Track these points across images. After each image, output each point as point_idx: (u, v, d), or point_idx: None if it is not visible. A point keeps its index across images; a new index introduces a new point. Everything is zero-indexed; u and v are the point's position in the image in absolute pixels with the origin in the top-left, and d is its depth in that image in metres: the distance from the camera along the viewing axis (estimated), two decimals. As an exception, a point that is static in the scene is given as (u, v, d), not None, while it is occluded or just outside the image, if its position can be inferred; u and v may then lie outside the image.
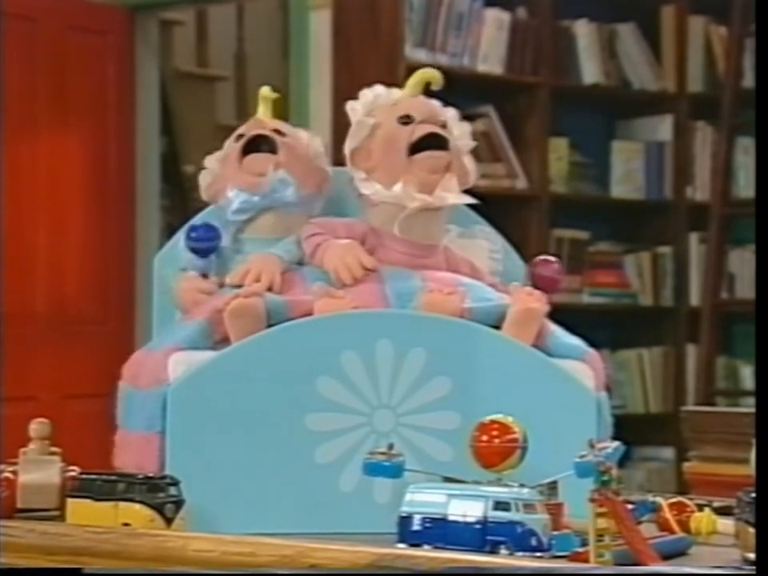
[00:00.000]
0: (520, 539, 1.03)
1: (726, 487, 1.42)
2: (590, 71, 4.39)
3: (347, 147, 1.40)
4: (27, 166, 4.24)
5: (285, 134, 1.43)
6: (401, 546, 1.07)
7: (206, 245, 1.39)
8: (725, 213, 4.19)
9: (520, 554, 1.03)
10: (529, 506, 1.05)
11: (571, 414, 1.30)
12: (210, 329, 1.34)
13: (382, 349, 1.30)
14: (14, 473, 1.27)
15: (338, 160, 1.45)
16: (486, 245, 1.49)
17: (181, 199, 4.94)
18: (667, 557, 1.08)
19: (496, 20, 4.18)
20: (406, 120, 1.38)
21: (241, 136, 1.43)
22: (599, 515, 1.02)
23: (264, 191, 1.39)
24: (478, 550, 1.04)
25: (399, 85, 1.43)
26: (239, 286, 1.35)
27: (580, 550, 1.05)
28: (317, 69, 4.09)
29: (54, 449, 1.29)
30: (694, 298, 4.47)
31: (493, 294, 1.38)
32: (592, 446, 1.05)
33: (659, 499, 1.23)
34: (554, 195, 4.30)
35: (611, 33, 4.47)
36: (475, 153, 1.45)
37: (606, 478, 1.03)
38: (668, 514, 1.20)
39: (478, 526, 1.04)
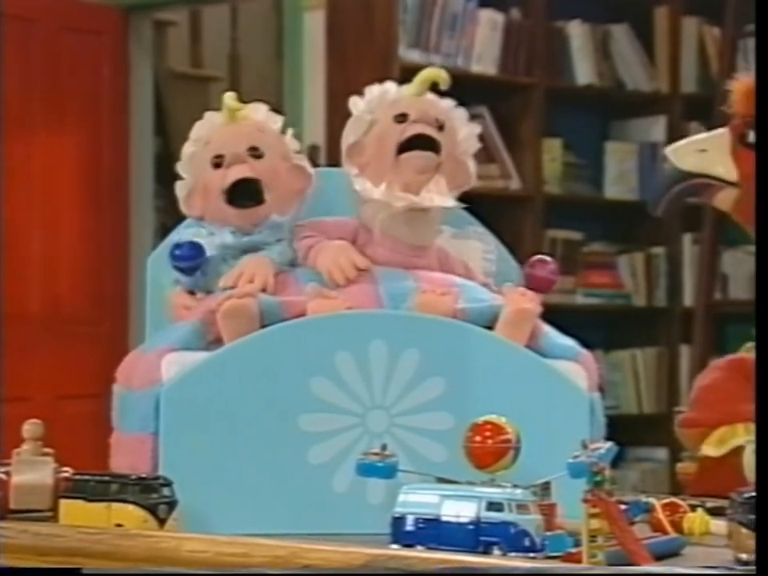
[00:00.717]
0: (513, 540, 1.03)
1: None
2: (584, 72, 4.40)
3: (344, 142, 1.39)
4: (22, 165, 4.24)
5: (261, 154, 1.39)
6: (394, 546, 1.07)
7: (189, 264, 1.38)
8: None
9: (513, 554, 1.03)
10: (522, 507, 1.05)
11: (564, 414, 1.30)
12: (203, 329, 1.33)
13: (376, 349, 1.30)
14: (7, 474, 1.26)
15: (332, 159, 1.45)
16: (479, 245, 1.49)
17: (174, 200, 4.92)
18: (660, 557, 1.08)
19: (490, 21, 4.18)
20: (401, 119, 1.38)
21: (218, 158, 1.38)
22: (592, 516, 1.02)
23: (254, 237, 1.39)
24: (471, 550, 1.03)
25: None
26: (233, 288, 1.35)
27: (573, 550, 1.05)
28: (311, 69, 4.09)
29: (47, 450, 1.29)
30: (688, 298, 4.47)
31: (486, 294, 1.38)
32: (585, 446, 1.05)
33: (652, 500, 1.23)
34: (547, 196, 4.31)
35: (605, 34, 4.47)
36: (470, 153, 1.45)
37: (599, 478, 1.03)
38: (661, 515, 1.20)
39: (471, 527, 1.04)
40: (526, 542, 1.04)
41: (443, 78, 1.40)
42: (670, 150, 1.61)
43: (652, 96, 4.48)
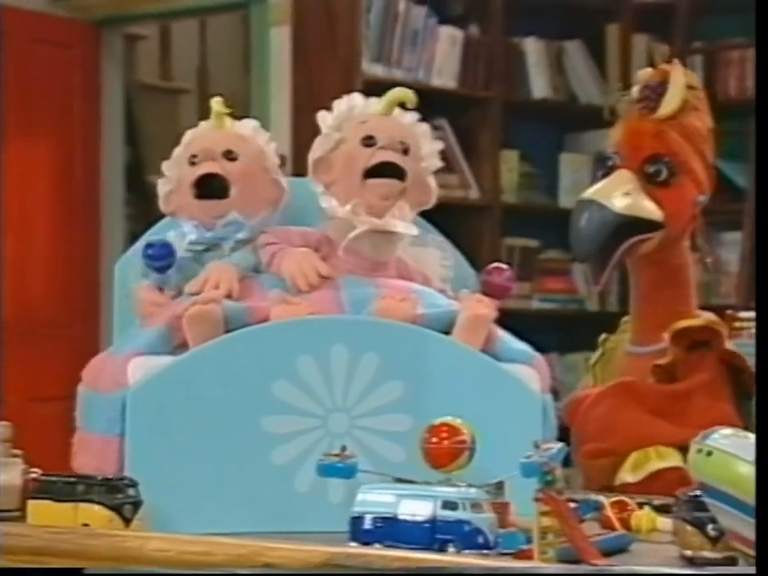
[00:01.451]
0: (467, 537, 1.03)
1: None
2: (540, 86, 4.42)
3: (311, 157, 1.39)
4: (-6, 175, 4.20)
5: (236, 157, 1.40)
6: (353, 544, 1.06)
7: (160, 263, 1.38)
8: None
9: (467, 551, 1.03)
10: (476, 506, 1.05)
11: (518, 416, 1.30)
12: (169, 334, 1.33)
13: (337, 353, 1.30)
14: (-23, 475, 1.25)
15: (298, 170, 1.44)
16: (437, 253, 1.49)
17: (144, 208, 4.90)
18: (609, 553, 1.08)
19: (449, 37, 4.20)
20: (368, 142, 1.37)
21: (194, 157, 1.39)
22: (543, 514, 1.02)
23: (217, 233, 1.39)
24: (427, 548, 1.03)
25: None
26: (199, 294, 1.35)
27: (525, 547, 1.05)
28: (277, 82, 4.08)
29: (16, 451, 1.28)
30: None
31: (443, 300, 1.38)
32: (537, 447, 1.05)
33: (602, 498, 1.24)
34: (505, 205, 4.32)
35: (559, 50, 4.50)
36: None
37: (550, 477, 1.03)
38: (610, 513, 1.21)
39: (427, 525, 1.04)
40: (480, 540, 1.04)
41: (411, 99, 1.40)
42: (596, 195, 1.55)
43: (604, 109, 4.49)
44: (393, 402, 1.30)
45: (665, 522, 1.19)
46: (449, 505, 1.05)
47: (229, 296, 1.34)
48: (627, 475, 1.49)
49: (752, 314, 2.09)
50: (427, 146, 1.41)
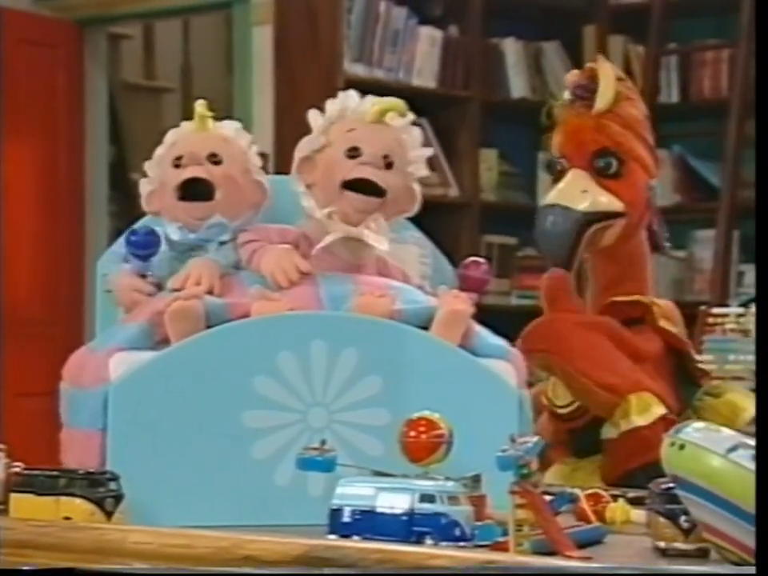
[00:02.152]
0: (444, 530, 1.04)
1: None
2: (518, 86, 4.43)
3: (297, 154, 1.37)
4: (-21, 173, 4.18)
5: (220, 160, 1.39)
6: (331, 537, 1.06)
7: (144, 251, 1.37)
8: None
9: (444, 543, 1.03)
10: (453, 499, 1.06)
11: (494, 410, 1.30)
12: (151, 330, 1.32)
13: (316, 349, 1.30)
14: (-40, 469, 1.24)
15: (279, 169, 1.44)
16: (415, 250, 1.49)
17: (128, 205, 4.89)
18: (583, 545, 1.08)
19: (429, 37, 4.20)
20: (352, 153, 1.35)
21: (178, 159, 1.38)
22: (519, 506, 1.02)
23: (200, 234, 1.38)
24: (405, 540, 1.03)
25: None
26: (180, 290, 1.34)
27: (501, 539, 1.05)
28: (259, 81, 4.08)
29: (-1, 445, 1.27)
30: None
31: (421, 296, 1.38)
32: (513, 440, 1.05)
33: (577, 491, 1.24)
34: (484, 203, 4.33)
35: (537, 50, 4.51)
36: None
37: (525, 471, 1.03)
38: (585, 505, 1.21)
39: (404, 518, 1.04)
40: (457, 532, 1.04)
41: (402, 110, 1.39)
42: (558, 198, 1.57)
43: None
44: (371, 397, 1.30)
45: (638, 514, 1.20)
46: (426, 498, 1.05)
47: (210, 292, 1.34)
48: (637, 419, 1.50)
49: (725, 310, 2.10)
50: (415, 152, 1.40)
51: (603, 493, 1.26)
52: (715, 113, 4.13)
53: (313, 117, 1.39)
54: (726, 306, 2.38)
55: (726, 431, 1.02)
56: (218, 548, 1.02)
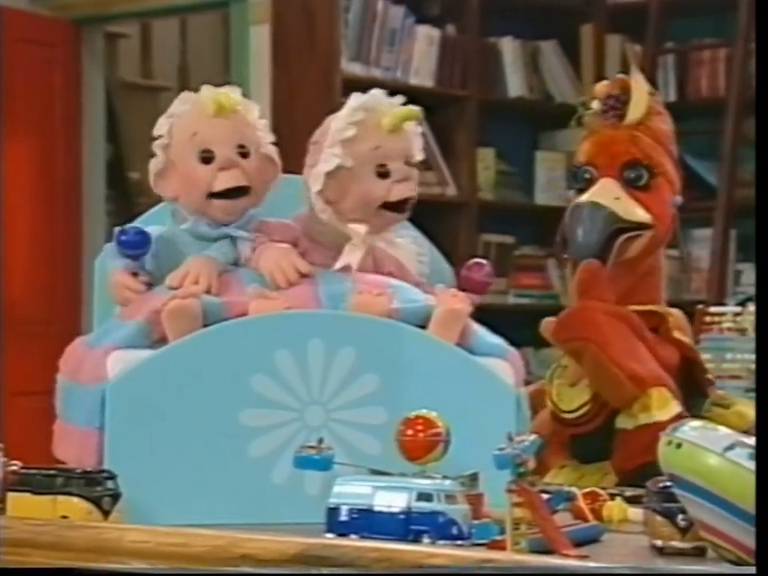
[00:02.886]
0: (442, 528, 1.04)
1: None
2: (515, 85, 4.43)
3: (321, 169, 1.34)
4: (-24, 171, 4.18)
5: (248, 151, 1.36)
6: (329, 536, 1.06)
7: (134, 251, 1.37)
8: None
9: (441, 542, 1.03)
10: (450, 497, 1.06)
11: (492, 409, 1.30)
12: (148, 329, 1.32)
13: (314, 348, 1.30)
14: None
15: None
16: (413, 248, 1.49)
17: (126, 204, 4.89)
18: (580, 544, 1.08)
19: (427, 36, 4.20)
20: (382, 170, 1.34)
21: (207, 152, 1.34)
22: (516, 505, 1.02)
23: (233, 227, 1.37)
24: (402, 539, 1.03)
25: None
26: (179, 287, 1.34)
27: (498, 538, 1.05)
28: (257, 81, 4.07)
29: (-5, 444, 1.27)
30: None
31: (419, 295, 1.38)
32: (510, 439, 1.05)
33: (574, 489, 1.24)
34: (481, 202, 4.33)
35: (534, 49, 4.51)
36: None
37: (522, 469, 1.03)
38: (582, 503, 1.21)
39: (402, 516, 1.04)
40: (454, 531, 1.04)
41: (418, 116, 1.38)
42: (593, 199, 1.57)
43: (578, 108, 4.50)
44: (369, 396, 1.30)
45: (635, 513, 1.20)
46: (423, 496, 1.05)
47: (207, 290, 1.34)
48: (658, 413, 1.50)
49: (722, 309, 2.10)
50: (419, 155, 1.41)
51: (600, 491, 1.26)
52: (712, 112, 4.13)
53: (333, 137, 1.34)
54: (723, 304, 2.38)
55: (723, 430, 1.02)
56: (214, 546, 1.02)
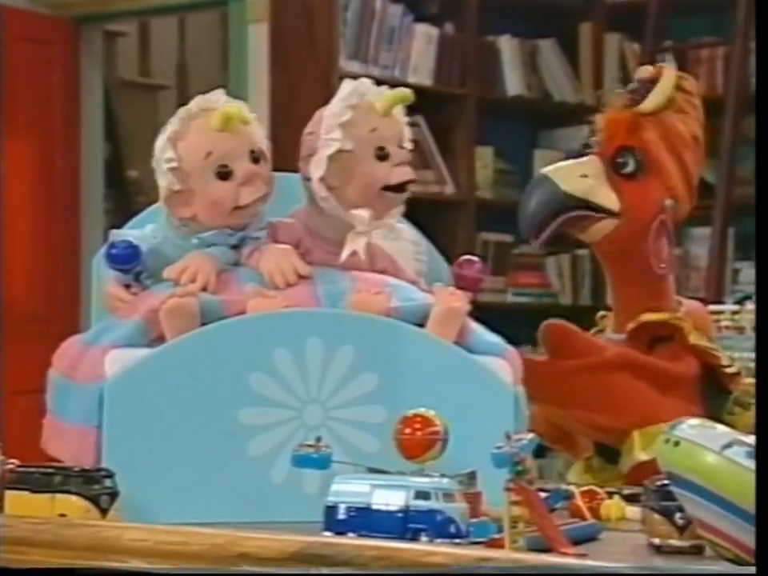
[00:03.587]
0: (439, 527, 1.03)
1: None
2: (514, 84, 4.43)
3: (324, 154, 1.33)
4: (-25, 170, 4.18)
5: (258, 156, 1.36)
6: (327, 534, 1.06)
7: (124, 266, 1.36)
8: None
9: (439, 540, 1.03)
10: (448, 495, 1.05)
11: (490, 407, 1.30)
12: (146, 327, 1.32)
13: (312, 346, 1.30)
14: (-45, 466, 1.24)
15: (275, 164, 1.43)
16: (411, 247, 1.49)
17: (124, 203, 4.89)
18: (578, 542, 1.08)
19: (425, 35, 4.20)
20: (381, 153, 1.34)
21: (223, 166, 1.33)
22: (514, 503, 1.02)
23: (241, 234, 1.36)
24: (400, 537, 1.03)
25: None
26: (176, 281, 1.34)
27: (496, 536, 1.05)
28: (255, 79, 4.08)
29: (-7, 443, 1.27)
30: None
31: (418, 293, 1.38)
32: (509, 437, 1.05)
33: (572, 487, 1.24)
34: (480, 200, 4.33)
35: (533, 48, 4.51)
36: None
37: (520, 468, 1.03)
38: (580, 502, 1.21)
39: (400, 515, 1.04)
40: (452, 529, 1.04)
41: (410, 98, 1.38)
42: (551, 172, 1.53)
43: (577, 107, 4.51)
44: (367, 394, 1.30)
45: (633, 511, 1.20)
46: (422, 495, 1.05)
47: (204, 288, 1.34)
48: (640, 454, 1.46)
49: (721, 308, 2.10)
50: (409, 143, 1.40)
51: (598, 490, 1.26)
52: (711, 110, 4.13)
53: (327, 123, 1.35)
54: (722, 303, 2.38)
55: (721, 428, 1.02)
56: (213, 545, 1.02)
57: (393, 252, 1.44)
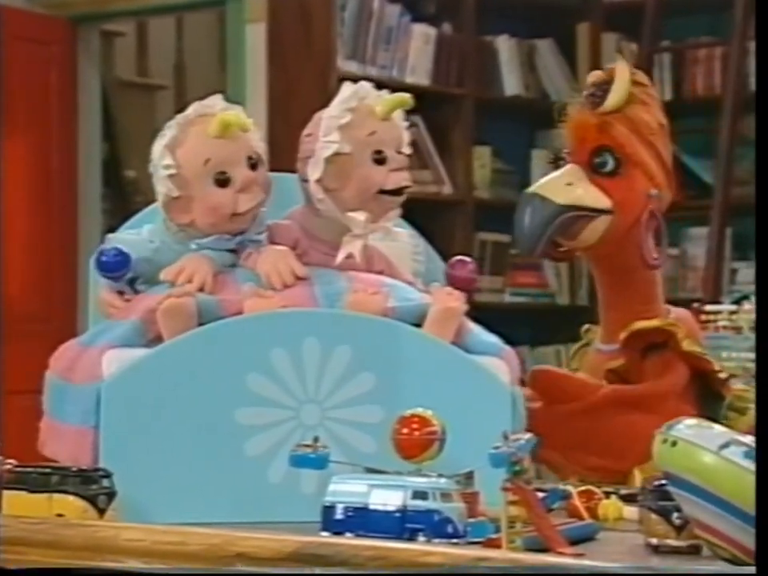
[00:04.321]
0: (437, 527, 1.04)
1: None
2: (511, 84, 4.43)
3: (321, 155, 1.34)
4: (-28, 170, 4.18)
5: (256, 162, 1.36)
6: (324, 534, 1.06)
7: (114, 273, 1.36)
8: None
9: (437, 540, 1.03)
10: (446, 495, 1.05)
11: (487, 407, 1.31)
12: (143, 328, 1.32)
13: (309, 346, 1.30)
14: (-48, 467, 1.24)
15: (273, 164, 1.43)
16: (408, 247, 1.49)
17: (121, 203, 4.89)
18: (575, 542, 1.08)
19: (423, 34, 4.20)
20: (378, 157, 1.35)
21: (222, 174, 1.33)
22: (511, 503, 1.02)
23: (246, 236, 1.36)
24: (398, 537, 1.03)
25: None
26: (172, 282, 1.34)
27: (494, 536, 1.05)
28: (253, 79, 4.07)
29: (-9, 443, 1.27)
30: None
31: (415, 294, 1.39)
32: (506, 437, 1.05)
33: (570, 487, 1.24)
34: (477, 200, 4.33)
35: (530, 48, 4.51)
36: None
37: (518, 468, 1.03)
38: (577, 502, 1.21)
39: (397, 515, 1.04)
40: (449, 529, 1.04)
41: (409, 103, 1.39)
42: (539, 189, 1.54)
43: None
44: (364, 394, 1.30)
45: (631, 511, 1.20)
46: (419, 495, 1.05)
47: (201, 289, 1.34)
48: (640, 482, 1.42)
49: (718, 308, 2.10)
50: (407, 148, 1.40)
51: (596, 490, 1.26)
52: (708, 110, 4.14)
53: (326, 124, 1.35)
54: (719, 303, 2.38)
55: (718, 428, 1.02)
56: (210, 545, 1.02)
57: (390, 253, 1.44)
